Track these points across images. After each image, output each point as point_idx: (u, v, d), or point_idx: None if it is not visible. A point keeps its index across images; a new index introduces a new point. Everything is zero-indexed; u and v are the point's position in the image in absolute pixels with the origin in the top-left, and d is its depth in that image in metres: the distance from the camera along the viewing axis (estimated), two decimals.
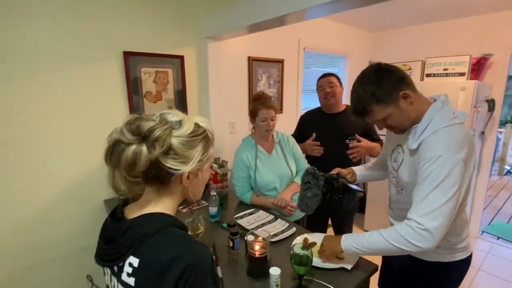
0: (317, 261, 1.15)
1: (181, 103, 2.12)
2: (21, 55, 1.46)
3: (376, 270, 1.14)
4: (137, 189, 0.63)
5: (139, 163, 0.58)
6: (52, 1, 1.51)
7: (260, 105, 1.57)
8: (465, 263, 1.10)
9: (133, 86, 1.86)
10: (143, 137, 0.59)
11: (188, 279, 0.55)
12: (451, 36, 2.90)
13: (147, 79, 1.91)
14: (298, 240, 1.31)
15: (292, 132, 2.10)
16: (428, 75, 2.70)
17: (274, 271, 0.97)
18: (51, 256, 1.69)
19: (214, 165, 1.92)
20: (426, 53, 2.87)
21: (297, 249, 0.99)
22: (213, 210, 1.53)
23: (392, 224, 1.20)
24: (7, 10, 1.40)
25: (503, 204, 4.21)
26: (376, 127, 1.92)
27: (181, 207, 1.70)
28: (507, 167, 5.81)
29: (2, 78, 1.43)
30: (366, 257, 1.13)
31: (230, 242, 1.23)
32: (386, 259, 1.33)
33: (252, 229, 1.43)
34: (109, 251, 0.62)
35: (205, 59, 2.12)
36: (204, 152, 0.67)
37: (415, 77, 2.86)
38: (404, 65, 2.88)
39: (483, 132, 2.72)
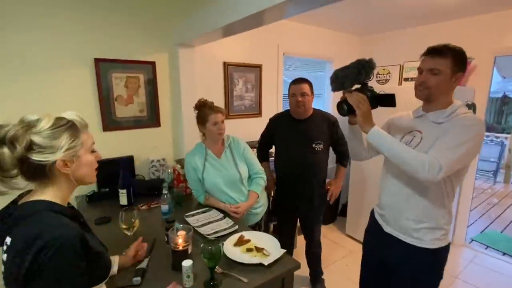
0: (241, 257, 1.21)
1: (152, 106, 2.23)
2: None
3: (297, 268, 1.18)
4: (16, 186, 0.71)
5: (5, 163, 0.66)
6: (23, 10, 1.66)
7: (209, 110, 1.64)
8: (447, 249, 1.21)
9: (104, 91, 1.99)
10: (1, 140, 0.67)
11: (46, 254, 0.63)
12: (430, 40, 2.86)
13: (118, 84, 2.04)
14: (234, 237, 1.36)
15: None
16: (406, 79, 2.68)
17: (186, 263, 1.04)
18: None
19: (178, 166, 2.00)
20: (405, 58, 2.85)
21: (206, 244, 1.05)
22: (164, 207, 1.61)
23: (379, 226, 1.33)
24: None
25: (502, 213, 4.05)
26: (341, 137, 1.98)
27: (141, 205, 1.80)
28: None
29: None
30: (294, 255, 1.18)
31: (165, 237, 1.30)
32: (367, 258, 1.46)
33: (197, 226, 1.50)
34: None
35: (177, 65, 2.22)
36: (73, 140, 0.74)
37: (393, 82, 2.84)
38: (384, 69, 2.88)
39: None
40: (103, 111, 2.01)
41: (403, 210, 1.21)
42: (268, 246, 1.29)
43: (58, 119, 0.75)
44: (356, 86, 1.20)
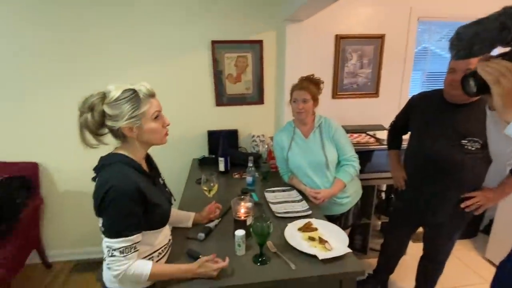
0: (299, 243, 1.15)
1: (258, 84, 2.34)
2: (137, 45, 2.13)
3: (360, 274, 1.00)
4: (102, 141, 0.91)
5: (89, 125, 0.87)
6: (155, 9, 2.07)
7: (295, 86, 1.55)
8: None
9: (217, 69, 2.24)
10: (87, 108, 0.87)
11: (109, 196, 0.83)
12: None
13: (229, 63, 2.25)
14: (301, 221, 1.30)
15: (392, 120, 1.80)
16: None
17: (238, 232, 1.08)
18: None
19: (271, 142, 2.05)
20: None
21: (257, 220, 1.04)
22: (248, 179, 1.71)
23: None
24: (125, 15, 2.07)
25: None
26: None
27: (235, 173, 1.99)
28: None
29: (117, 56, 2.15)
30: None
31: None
32: None
33: (272, 203, 1.52)
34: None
35: (283, 42, 2.20)
36: (134, 110, 0.87)
37: None
38: None
39: None
40: (216, 88, 2.28)
41: None
42: (334, 241, 1.15)
43: (124, 91, 0.88)
44: (500, 51, 0.73)
